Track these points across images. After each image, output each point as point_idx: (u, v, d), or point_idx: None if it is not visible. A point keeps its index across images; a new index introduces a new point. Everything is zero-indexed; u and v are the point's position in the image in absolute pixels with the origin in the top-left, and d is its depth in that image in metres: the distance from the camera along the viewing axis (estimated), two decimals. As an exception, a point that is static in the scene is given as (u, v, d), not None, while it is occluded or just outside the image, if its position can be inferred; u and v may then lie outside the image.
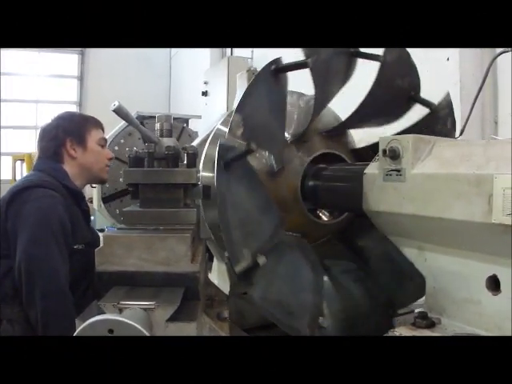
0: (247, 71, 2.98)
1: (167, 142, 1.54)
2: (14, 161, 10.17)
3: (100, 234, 3.73)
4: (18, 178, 9.99)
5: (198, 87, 7.97)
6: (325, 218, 2.18)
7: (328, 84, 1.96)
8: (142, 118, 4.71)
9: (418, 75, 2.05)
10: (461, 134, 2.14)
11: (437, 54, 2.23)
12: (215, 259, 2.55)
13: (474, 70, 3.29)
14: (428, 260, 1.57)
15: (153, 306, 1.05)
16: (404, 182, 1.52)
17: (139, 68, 10.49)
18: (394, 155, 1.54)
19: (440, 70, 2.14)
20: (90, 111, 9.30)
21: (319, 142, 2.08)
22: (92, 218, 6.12)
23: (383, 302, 1.99)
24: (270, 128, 1.76)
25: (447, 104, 2.09)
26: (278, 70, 1.72)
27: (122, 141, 4.45)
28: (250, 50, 7.75)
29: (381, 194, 1.61)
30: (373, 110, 2.01)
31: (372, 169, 1.67)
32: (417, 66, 2.01)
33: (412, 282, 1.99)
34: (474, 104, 2.13)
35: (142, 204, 1.50)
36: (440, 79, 2.14)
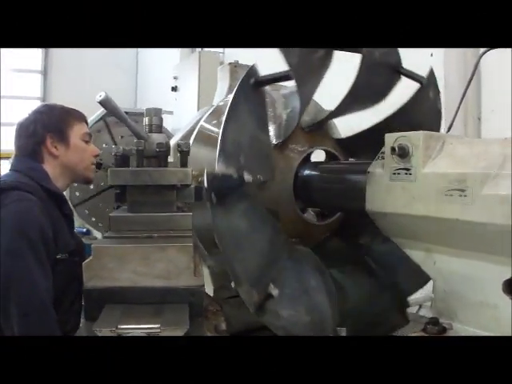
0: (229, 64, 2.84)
1: (157, 138, 1.38)
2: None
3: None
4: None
5: (167, 82, 7.74)
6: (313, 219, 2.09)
7: (310, 82, 1.84)
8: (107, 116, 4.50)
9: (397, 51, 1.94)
10: (448, 130, 2.10)
11: (420, 50, 2.17)
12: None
13: (457, 66, 3.27)
14: (437, 263, 1.48)
15: (158, 330, 0.90)
16: (414, 182, 1.42)
17: (105, 62, 10.15)
18: (403, 153, 1.44)
19: (423, 65, 2.06)
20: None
21: (305, 139, 1.96)
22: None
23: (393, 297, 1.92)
24: (257, 144, 1.65)
25: (433, 80, 1.99)
26: (257, 84, 1.59)
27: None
28: (221, 44, 7.56)
29: (387, 194, 1.51)
30: (360, 95, 1.88)
31: (376, 167, 1.57)
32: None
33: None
34: (461, 102, 2.08)
35: (131, 208, 1.33)
36: (423, 75, 2.07)
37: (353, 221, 2.03)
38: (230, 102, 1.43)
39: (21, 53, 9.45)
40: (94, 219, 4.18)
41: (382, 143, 1.60)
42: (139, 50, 10.99)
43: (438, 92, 2.00)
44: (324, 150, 1.98)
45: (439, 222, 1.38)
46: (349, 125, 2.07)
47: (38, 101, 9.84)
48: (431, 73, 1.97)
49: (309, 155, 1.94)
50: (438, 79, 3.05)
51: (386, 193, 1.51)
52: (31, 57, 10.07)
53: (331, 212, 2.01)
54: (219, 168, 1.32)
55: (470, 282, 1.40)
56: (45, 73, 9.99)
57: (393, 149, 1.45)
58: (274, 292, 1.37)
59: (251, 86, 1.56)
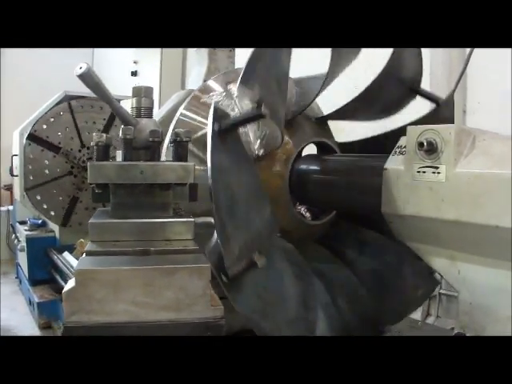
0: (206, 46, 2.59)
1: (148, 124, 1.10)
2: None
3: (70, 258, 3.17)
4: None
5: (126, 66, 7.33)
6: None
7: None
8: (70, 99, 4.16)
9: (421, 63, 1.82)
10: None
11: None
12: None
13: (443, 58, 3.18)
14: (462, 272, 1.32)
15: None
16: (444, 182, 1.25)
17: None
18: (431, 149, 1.26)
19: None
20: (9, 90, 8.33)
21: (310, 129, 1.77)
22: (11, 208, 5.45)
23: (371, 318, 1.76)
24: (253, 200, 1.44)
25: (450, 101, 1.86)
26: (224, 131, 1.32)
27: (91, 108, 3.97)
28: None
29: (409, 194, 1.33)
30: (369, 103, 1.76)
31: (395, 163, 1.38)
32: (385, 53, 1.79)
33: (398, 298, 1.83)
34: (452, 94, 1.95)
35: (115, 212, 1.05)
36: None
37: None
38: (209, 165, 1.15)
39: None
40: (45, 206, 3.87)
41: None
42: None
43: (452, 115, 1.85)
44: (326, 143, 1.78)
45: (472, 228, 1.21)
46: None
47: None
48: (451, 96, 1.84)
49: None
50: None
51: (409, 193, 1.33)
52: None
53: (327, 211, 1.82)
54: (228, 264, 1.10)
55: (500, 294, 1.24)
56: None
57: (420, 144, 1.26)
58: (260, 262, 1.19)
59: (220, 133, 1.29)
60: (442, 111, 1.83)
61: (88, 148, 4.02)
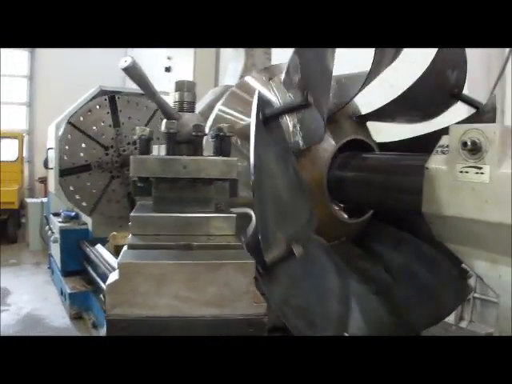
0: (243, 44, 2.59)
1: (191, 119, 1.11)
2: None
3: (108, 258, 3.25)
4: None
5: (160, 62, 7.38)
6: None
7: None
8: (104, 94, 4.23)
9: (466, 70, 1.79)
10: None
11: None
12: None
13: (480, 56, 3.09)
14: (504, 276, 1.29)
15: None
16: (487, 183, 1.22)
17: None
18: (474, 148, 1.22)
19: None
20: (42, 80, 8.47)
21: (348, 127, 1.75)
22: (45, 200, 5.59)
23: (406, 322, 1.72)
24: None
25: (492, 107, 1.84)
26: (268, 119, 1.38)
27: (89, 113, 4.05)
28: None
29: (451, 195, 1.30)
30: (412, 102, 1.72)
31: (437, 163, 1.35)
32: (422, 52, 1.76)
33: (433, 303, 1.78)
34: (494, 100, 1.90)
35: (157, 206, 1.06)
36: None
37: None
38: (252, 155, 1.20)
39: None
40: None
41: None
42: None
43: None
44: (364, 141, 1.76)
45: (517, 232, 1.17)
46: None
47: (25, 79, 9.32)
48: (492, 100, 1.84)
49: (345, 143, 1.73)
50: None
51: (451, 194, 1.30)
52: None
53: (364, 210, 1.80)
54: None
55: (543, 300, 1.20)
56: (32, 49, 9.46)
57: (464, 143, 1.23)
58: (297, 250, 1.22)
59: (263, 122, 1.35)
60: (482, 117, 1.79)
61: (112, 147, 4.11)
